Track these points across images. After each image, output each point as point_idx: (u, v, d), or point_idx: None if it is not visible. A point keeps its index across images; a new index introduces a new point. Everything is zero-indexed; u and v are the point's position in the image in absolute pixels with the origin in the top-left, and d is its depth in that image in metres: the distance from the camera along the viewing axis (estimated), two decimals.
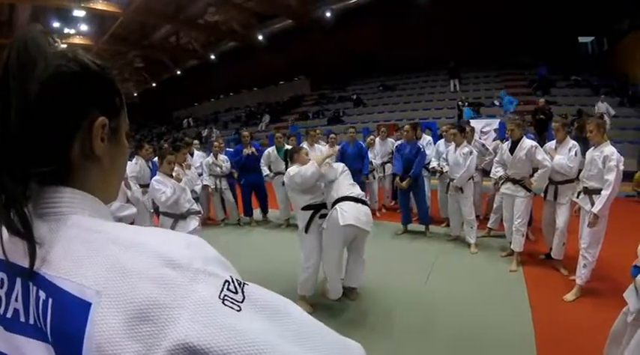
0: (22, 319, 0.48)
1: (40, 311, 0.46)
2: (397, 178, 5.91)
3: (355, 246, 3.80)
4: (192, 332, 0.41)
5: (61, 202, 0.53)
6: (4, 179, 0.48)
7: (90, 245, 0.48)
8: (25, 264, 0.47)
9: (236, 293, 0.46)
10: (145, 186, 5.38)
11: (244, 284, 0.48)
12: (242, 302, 0.46)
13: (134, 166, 5.43)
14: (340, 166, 3.93)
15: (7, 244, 0.49)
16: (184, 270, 0.45)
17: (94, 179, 0.57)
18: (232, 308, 0.45)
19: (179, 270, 0.45)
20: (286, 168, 3.95)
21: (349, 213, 3.49)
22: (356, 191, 3.73)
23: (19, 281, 0.49)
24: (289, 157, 3.97)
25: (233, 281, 0.47)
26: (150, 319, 0.42)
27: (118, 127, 0.60)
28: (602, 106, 11.60)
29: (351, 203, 3.58)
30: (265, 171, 6.76)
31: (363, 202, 3.67)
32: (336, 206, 3.56)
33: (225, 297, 0.45)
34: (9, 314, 0.49)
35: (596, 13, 14.73)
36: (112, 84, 0.59)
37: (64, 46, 0.55)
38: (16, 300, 0.49)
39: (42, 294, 0.46)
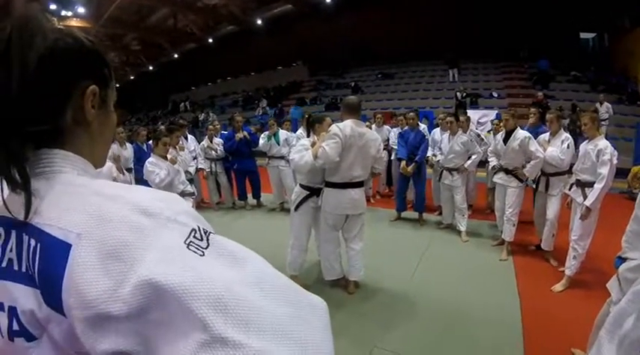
0: (16, 267, 0.53)
1: (31, 257, 0.52)
2: (403, 163, 5.83)
3: (348, 229, 3.75)
4: (157, 270, 0.45)
5: (54, 162, 0.59)
6: (7, 138, 0.54)
7: (76, 196, 0.54)
8: (21, 216, 0.53)
9: (201, 240, 0.50)
10: None
11: (210, 233, 0.52)
12: (206, 248, 0.50)
13: None
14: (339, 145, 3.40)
15: (5, 200, 0.54)
16: (156, 218, 0.51)
17: (83, 144, 0.63)
18: (196, 252, 0.49)
19: (151, 218, 0.50)
20: (308, 136, 3.91)
21: (331, 203, 3.59)
22: (349, 175, 3.54)
23: (14, 232, 0.55)
24: (310, 126, 3.90)
25: (199, 230, 0.51)
26: (120, 258, 0.47)
27: (107, 97, 0.67)
28: (602, 108, 11.42)
29: (334, 191, 3.57)
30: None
31: (355, 185, 3.60)
32: (324, 190, 3.65)
33: (191, 243, 0.49)
34: (4, 264, 0.55)
35: (598, 9, 14.56)
36: (103, 57, 0.66)
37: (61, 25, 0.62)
38: (11, 251, 0.54)
39: (32, 242, 0.52)
